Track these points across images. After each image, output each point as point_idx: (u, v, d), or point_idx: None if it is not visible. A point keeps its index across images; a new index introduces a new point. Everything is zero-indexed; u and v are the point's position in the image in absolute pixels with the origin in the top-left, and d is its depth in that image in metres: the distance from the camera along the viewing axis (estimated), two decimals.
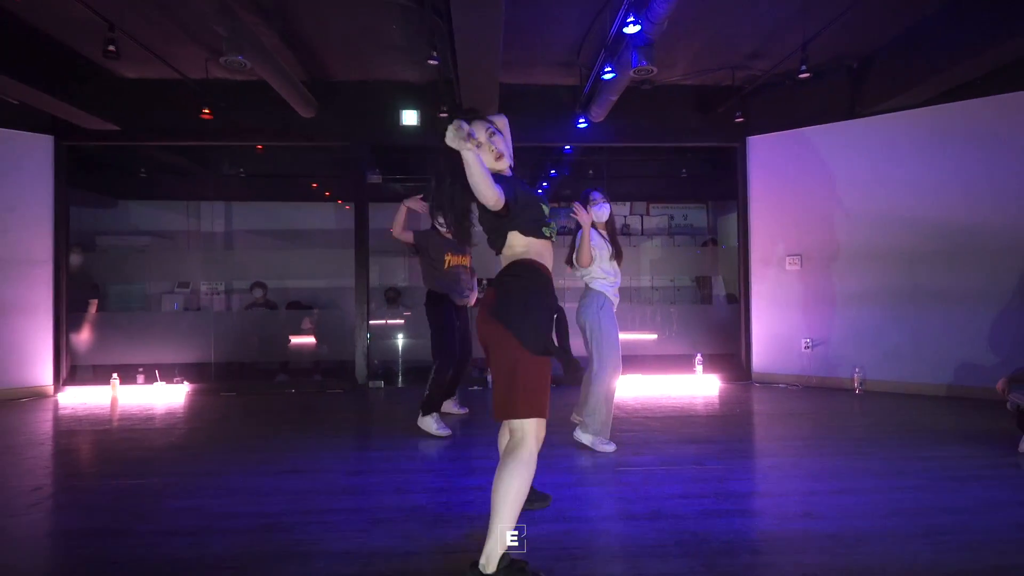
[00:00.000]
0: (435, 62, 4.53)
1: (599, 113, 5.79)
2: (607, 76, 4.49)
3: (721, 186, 8.57)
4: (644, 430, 4.13)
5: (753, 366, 6.25)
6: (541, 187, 8.40)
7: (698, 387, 5.95)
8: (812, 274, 5.93)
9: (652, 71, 4.29)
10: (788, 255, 6.04)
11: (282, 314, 7.11)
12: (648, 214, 8.71)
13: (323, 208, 8.54)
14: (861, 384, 5.47)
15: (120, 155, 7.57)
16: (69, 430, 4.51)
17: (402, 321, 7.18)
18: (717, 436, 4.01)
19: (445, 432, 3.97)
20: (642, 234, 8.52)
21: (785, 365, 6.05)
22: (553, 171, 8.22)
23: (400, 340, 7.12)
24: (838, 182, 5.81)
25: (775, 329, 6.14)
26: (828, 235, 5.84)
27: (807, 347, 5.90)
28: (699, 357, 6.15)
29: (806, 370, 5.89)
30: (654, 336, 6.69)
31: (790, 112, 6.11)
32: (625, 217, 8.56)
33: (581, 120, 5.88)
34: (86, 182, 7.33)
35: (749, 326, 6.28)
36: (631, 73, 4.41)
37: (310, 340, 6.81)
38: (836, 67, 5.77)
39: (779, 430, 4.29)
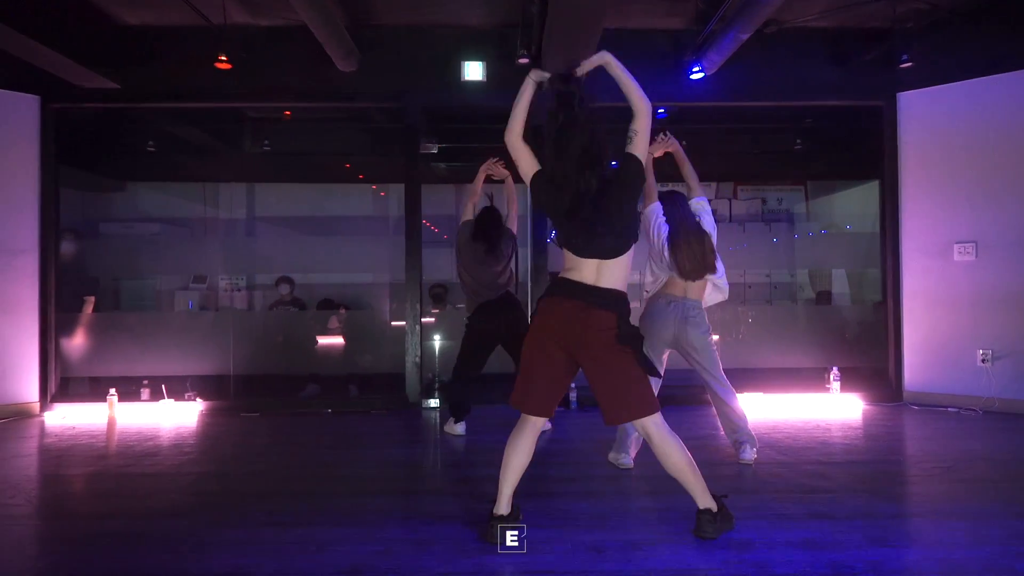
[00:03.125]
0: None
1: (715, 61, 4.55)
2: None
3: (827, 160, 7.29)
4: (797, 510, 2.87)
5: (905, 383, 4.96)
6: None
7: (836, 411, 4.67)
8: (991, 265, 4.61)
9: None
10: (958, 242, 4.73)
11: (311, 314, 5.98)
12: (736, 197, 7.41)
13: (359, 191, 7.39)
14: None
15: (128, 130, 6.48)
16: (44, 474, 3.42)
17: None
18: (920, 523, 2.74)
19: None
20: (731, 221, 7.23)
21: (952, 383, 4.74)
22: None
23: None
24: None
25: (937, 336, 4.83)
26: (1016, 215, 4.53)
27: (985, 360, 4.59)
28: (835, 372, 4.88)
29: (984, 390, 4.58)
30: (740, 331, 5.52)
31: (956, 60, 4.78)
32: (711, 201, 7.28)
33: (696, 69, 4.62)
34: (90, 161, 6.26)
35: (900, 332, 4.97)
36: None
37: (338, 341, 5.71)
38: None
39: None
